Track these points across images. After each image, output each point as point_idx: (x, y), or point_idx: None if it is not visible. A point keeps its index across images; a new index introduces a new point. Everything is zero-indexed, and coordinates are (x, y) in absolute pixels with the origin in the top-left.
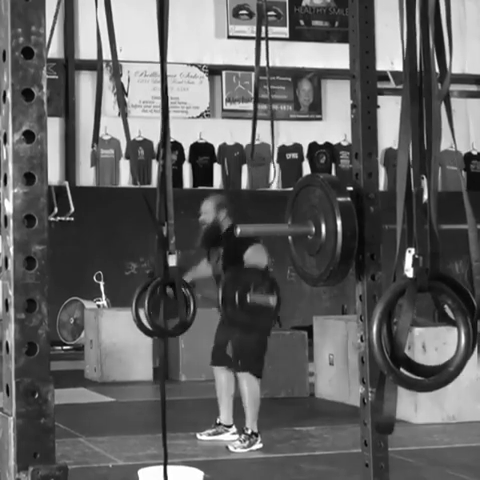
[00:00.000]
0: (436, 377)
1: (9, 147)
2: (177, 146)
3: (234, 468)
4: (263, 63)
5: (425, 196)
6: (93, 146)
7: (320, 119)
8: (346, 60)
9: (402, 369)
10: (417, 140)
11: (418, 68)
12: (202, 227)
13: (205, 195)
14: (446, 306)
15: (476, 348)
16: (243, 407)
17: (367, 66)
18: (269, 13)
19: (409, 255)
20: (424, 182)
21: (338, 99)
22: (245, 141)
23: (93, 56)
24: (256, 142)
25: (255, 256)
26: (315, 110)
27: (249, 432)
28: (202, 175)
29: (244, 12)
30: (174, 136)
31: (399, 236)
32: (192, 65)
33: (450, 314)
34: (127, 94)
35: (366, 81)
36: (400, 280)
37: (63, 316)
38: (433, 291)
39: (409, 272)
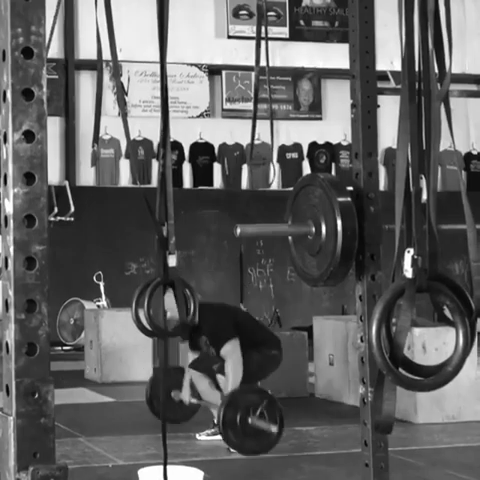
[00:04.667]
0: (435, 377)
1: (9, 147)
2: (177, 146)
3: (234, 468)
4: (263, 63)
5: (424, 196)
6: (93, 146)
7: (320, 119)
8: (346, 60)
9: (401, 369)
10: (415, 140)
11: (417, 68)
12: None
13: (205, 195)
14: (445, 306)
15: (476, 348)
16: None
17: (367, 66)
18: (269, 13)
19: (408, 255)
20: (423, 182)
21: (338, 99)
22: (245, 141)
23: (93, 56)
24: (256, 142)
25: (232, 355)
26: (315, 110)
27: None
28: (202, 175)
29: (244, 12)
30: (174, 136)
31: (398, 236)
32: (192, 65)
33: (449, 314)
34: (127, 94)
35: (366, 81)
36: (399, 280)
37: (63, 316)
38: (432, 291)
39: (408, 272)
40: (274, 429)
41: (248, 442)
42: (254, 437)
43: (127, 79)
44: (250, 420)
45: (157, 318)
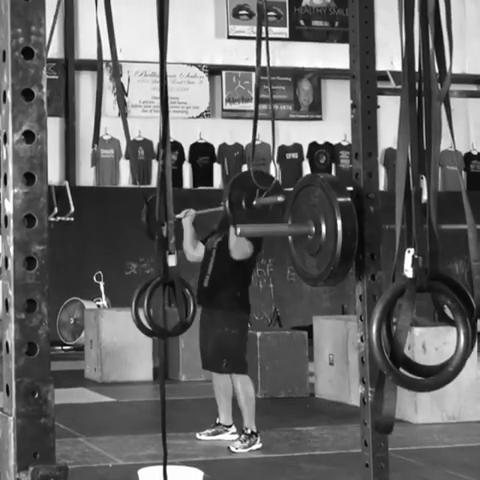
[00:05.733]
0: (435, 377)
1: (9, 147)
2: (177, 146)
3: (234, 468)
4: (263, 63)
5: (424, 196)
6: (93, 146)
7: (320, 119)
8: (346, 60)
9: (401, 369)
10: (415, 140)
11: (418, 68)
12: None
13: (205, 195)
14: (445, 306)
15: (476, 348)
16: (239, 407)
17: (367, 66)
18: (269, 13)
19: (408, 255)
20: (424, 182)
21: (338, 99)
22: (245, 141)
23: (93, 56)
24: (256, 142)
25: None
26: (315, 110)
27: (249, 432)
28: (202, 175)
29: (244, 12)
30: (174, 136)
31: (398, 236)
32: (192, 65)
33: (449, 314)
34: (127, 94)
35: (366, 81)
36: (399, 280)
37: (63, 316)
38: (432, 291)
39: (408, 272)
40: (280, 198)
41: (256, 219)
42: (262, 214)
43: (127, 79)
44: (255, 200)
45: (157, 318)
